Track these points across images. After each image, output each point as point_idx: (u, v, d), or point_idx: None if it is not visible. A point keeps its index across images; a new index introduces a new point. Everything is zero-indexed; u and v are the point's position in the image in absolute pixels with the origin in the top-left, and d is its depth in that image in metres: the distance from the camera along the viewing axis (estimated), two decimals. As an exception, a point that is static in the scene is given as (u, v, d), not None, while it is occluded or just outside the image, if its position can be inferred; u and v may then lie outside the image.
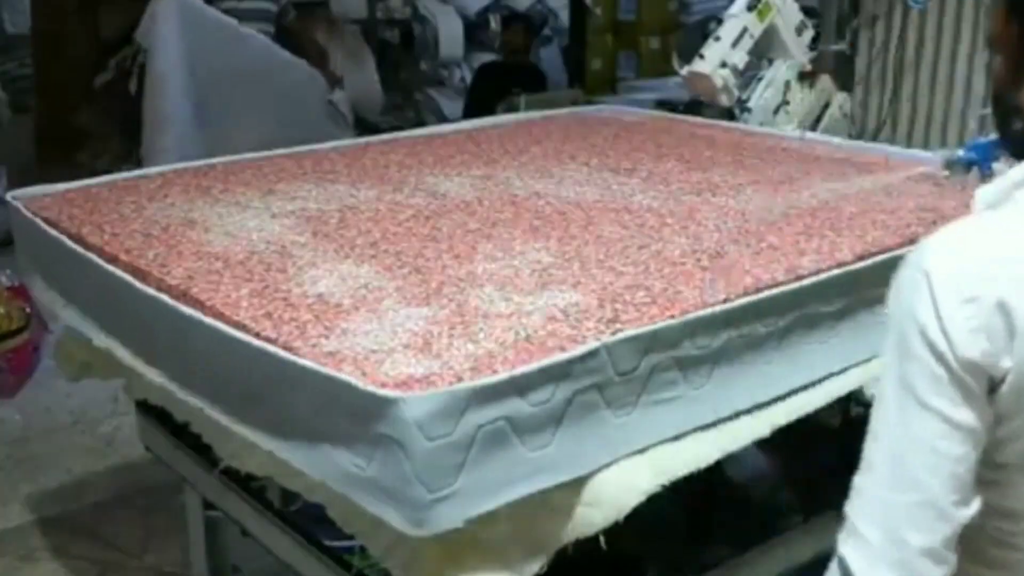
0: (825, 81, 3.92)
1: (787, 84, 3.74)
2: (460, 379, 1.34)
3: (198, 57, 4.83)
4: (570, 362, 1.41)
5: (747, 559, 1.90)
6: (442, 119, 6.75)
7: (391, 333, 1.49)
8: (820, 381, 1.81)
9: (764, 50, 3.74)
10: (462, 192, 2.26)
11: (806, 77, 3.83)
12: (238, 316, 1.58)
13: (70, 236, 2.01)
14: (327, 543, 1.87)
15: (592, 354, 1.44)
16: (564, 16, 7.39)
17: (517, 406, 1.36)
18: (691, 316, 1.57)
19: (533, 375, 1.37)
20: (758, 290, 1.67)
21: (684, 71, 3.70)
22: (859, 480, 1.10)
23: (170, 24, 4.76)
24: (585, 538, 1.51)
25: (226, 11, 5.19)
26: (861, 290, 1.84)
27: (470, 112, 6.00)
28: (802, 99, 3.80)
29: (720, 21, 3.66)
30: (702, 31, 3.76)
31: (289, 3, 5.57)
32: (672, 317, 1.55)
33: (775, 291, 1.69)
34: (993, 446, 1.07)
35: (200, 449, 2.07)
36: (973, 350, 1.01)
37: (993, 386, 1.03)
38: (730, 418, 1.67)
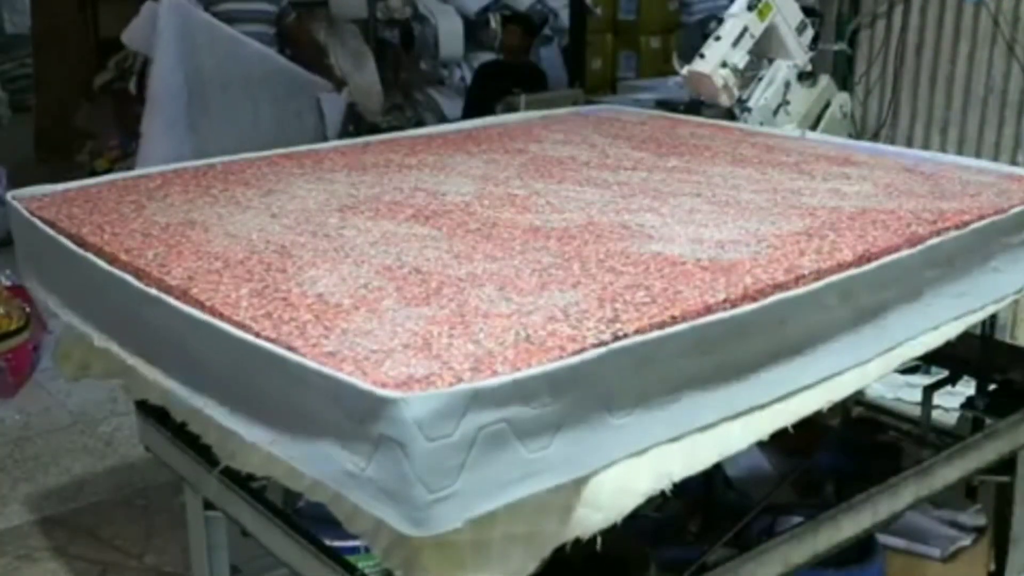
0: (825, 81, 3.93)
1: (787, 84, 3.74)
2: (460, 379, 1.34)
3: (191, 60, 4.84)
4: (572, 366, 1.41)
5: (747, 559, 1.90)
6: (442, 119, 6.76)
7: (391, 333, 1.49)
8: (820, 382, 1.81)
9: (764, 50, 3.74)
10: (462, 192, 2.26)
11: (806, 77, 3.83)
12: (238, 316, 1.58)
13: (70, 236, 2.01)
14: (327, 543, 1.87)
15: (594, 358, 1.44)
16: (564, 16, 7.39)
17: (518, 408, 1.36)
18: (692, 322, 1.56)
19: (534, 378, 1.37)
20: (758, 291, 1.67)
21: (684, 71, 3.71)
22: None
23: (168, 27, 4.77)
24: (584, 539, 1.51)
25: (224, 12, 5.19)
26: (861, 291, 1.84)
27: (470, 112, 6.00)
28: (802, 99, 3.81)
29: (720, 21, 3.67)
30: (702, 31, 3.77)
31: (289, 4, 5.56)
32: (672, 317, 1.55)
33: (776, 295, 1.68)
34: None
35: (200, 449, 2.07)
36: None
37: None
38: (730, 419, 1.67)
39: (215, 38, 4.99)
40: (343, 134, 5.49)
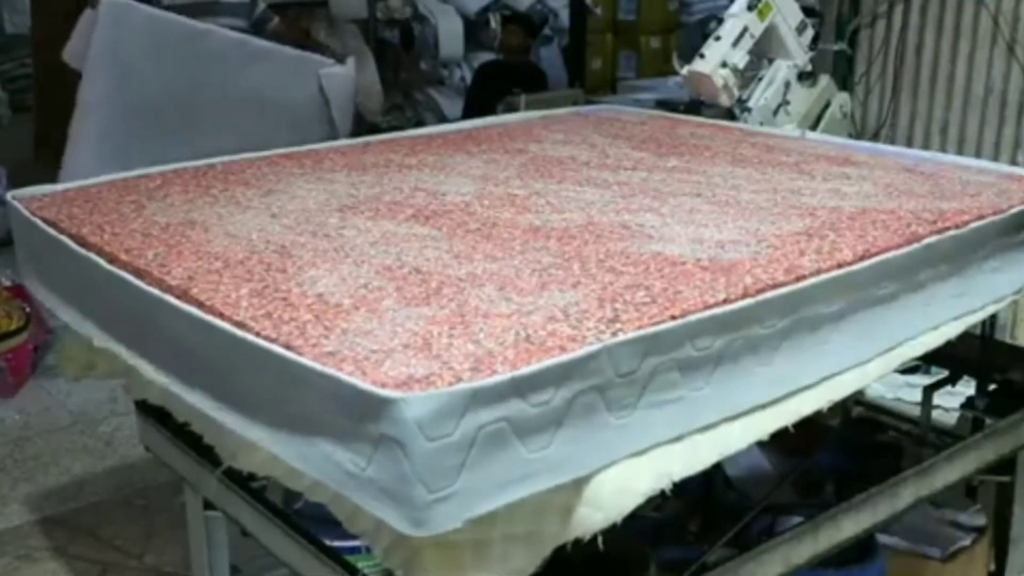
0: (825, 81, 3.93)
1: (787, 84, 3.75)
2: (460, 379, 1.34)
3: (138, 73, 4.38)
4: (571, 363, 1.41)
5: (747, 559, 1.90)
6: (442, 119, 6.76)
7: (391, 333, 1.49)
8: (820, 382, 1.81)
9: (764, 50, 3.75)
10: (462, 192, 2.26)
11: (806, 77, 3.84)
12: (238, 316, 1.58)
13: (70, 236, 2.01)
14: (327, 543, 1.87)
15: (593, 355, 1.44)
16: (564, 16, 7.39)
17: (518, 407, 1.36)
18: (692, 318, 1.57)
19: (534, 376, 1.37)
20: (758, 291, 1.67)
21: (684, 71, 3.71)
22: None
23: (105, 33, 4.34)
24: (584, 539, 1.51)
25: (187, 6, 4.78)
26: (861, 291, 1.84)
27: (470, 112, 6.00)
28: (802, 99, 3.81)
29: (720, 21, 3.68)
30: (702, 31, 3.78)
31: (266, 9, 5.27)
32: (672, 317, 1.55)
33: (775, 292, 1.68)
34: None
35: (200, 449, 2.07)
36: None
37: None
38: (730, 419, 1.67)
39: (167, 39, 4.49)
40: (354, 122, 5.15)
